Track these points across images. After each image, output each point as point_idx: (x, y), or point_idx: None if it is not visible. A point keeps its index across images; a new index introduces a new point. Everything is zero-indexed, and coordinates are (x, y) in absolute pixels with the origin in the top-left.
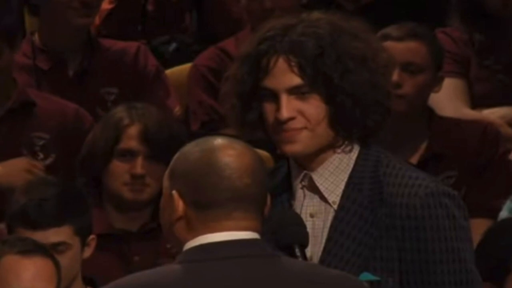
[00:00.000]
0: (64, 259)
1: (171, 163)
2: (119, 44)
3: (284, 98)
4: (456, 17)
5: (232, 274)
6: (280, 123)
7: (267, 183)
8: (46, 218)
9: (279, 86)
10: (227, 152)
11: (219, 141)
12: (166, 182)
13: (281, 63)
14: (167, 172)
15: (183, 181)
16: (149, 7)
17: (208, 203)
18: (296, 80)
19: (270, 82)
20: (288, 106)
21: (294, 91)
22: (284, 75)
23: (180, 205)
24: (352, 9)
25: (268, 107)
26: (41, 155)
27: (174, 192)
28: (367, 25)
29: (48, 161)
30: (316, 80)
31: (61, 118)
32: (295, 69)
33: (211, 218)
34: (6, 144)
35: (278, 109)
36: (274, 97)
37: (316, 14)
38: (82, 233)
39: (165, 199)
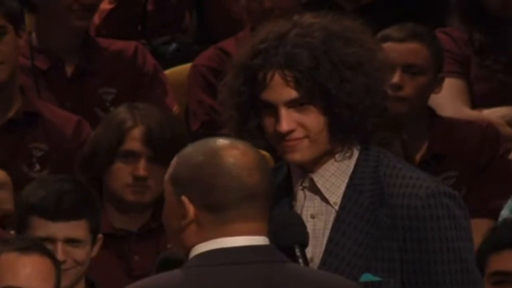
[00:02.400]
0: (80, 254)
1: (172, 169)
2: (117, 44)
3: (283, 111)
4: (456, 17)
5: (241, 280)
6: (281, 135)
7: (272, 179)
8: (67, 210)
9: (277, 100)
10: (232, 152)
11: (220, 142)
12: (169, 188)
13: (277, 78)
14: (167, 178)
15: (191, 186)
16: (149, 7)
17: (221, 204)
18: (293, 94)
19: (268, 96)
20: (287, 119)
21: (292, 104)
22: (281, 89)
23: (191, 209)
24: (351, 9)
25: (268, 119)
26: (38, 167)
27: (183, 197)
28: (362, 24)
29: (44, 173)
30: (313, 92)
31: (63, 130)
32: (291, 83)
33: (225, 220)
34: (5, 154)
35: (277, 121)
36: (273, 109)
37: (308, 18)
38: (95, 231)
39: (171, 205)
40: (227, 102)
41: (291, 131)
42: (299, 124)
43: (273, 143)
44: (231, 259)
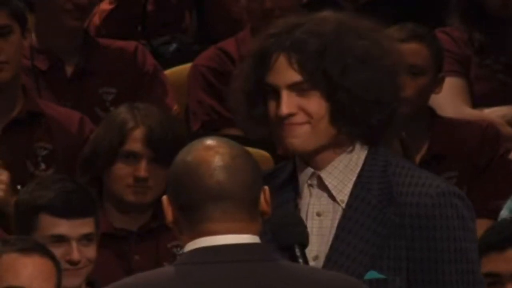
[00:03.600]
0: (91, 252)
1: None
2: (117, 44)
3: (285, 94)
4: (456, 17)
5: (227, 278)
6: (281, 119)
7: (255, 182)
8: (79, 207)
9: (280, 83)
10: (205, 152)
11: (202, 142)
12: None
13: (282, 60)
14: None
15: (169, 186)
16: (149, 7)
17: (188, 205)
18: (295, 77)
19: (271, 79)
20: (288, 102)
21: (295, 88)
22: (285, 72)
23: (169, 210)
24: (351, 9)
25: (271, 103)
26: (43, 166)
27: (164, 197)
28: (378, 24)
29: (49, 172)
30: (316, 77)
31: (66, 128)
32: (295, 66)
33: (195, 221)
34: (11, 154)
35: (278, 105)
36: (277, 93)
37: (326, 13)
38: (98, 228)
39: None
40: (237, 87)
41: (291, 115)
42: (301, 108)
43: (274, 130)
44: (215, 258)
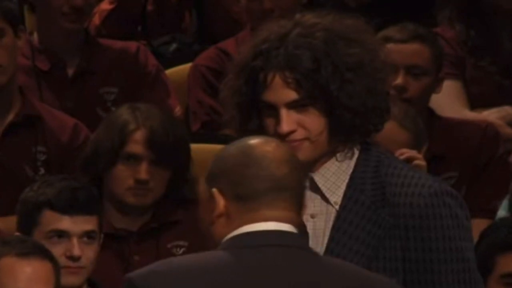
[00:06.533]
0: (91, 251)
1: (209, 168)
2: (119, 44)
3: (284, 112)
4: (451, 14)
5: (271, 261)
6: (281, 136)
7: (304, 179)
8: (82, 204)
9: (278, 101)
10: (264, 146)
11: (254, 138)
12: (203, 188)
13: (278, 79)
14: (205, 179)
15: (222, 178)
16: (149, 7)
17: (249, 194)
18: (293, 95)
19: (269, 97)
20: (287, 120)
21: (293, 105)
22: (282, 90)
23: (221, 201)
24: (355, 6)
25: (269, 120)
26: (42, 170)
27: (214, 190)
28: (364, 23)
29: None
30: (314, 94)
31: (59, 135)
32: (292, 85)
33: (252, 208)
34: (9, 159)
35: (278, 122)
36: (274, 110)
37: (310, 18)
38: (101, 229)
39: (205, 203)
40: (228, 102)
41: (292, 132)
42: (300, 125)
43: None
44: (256, 242)
